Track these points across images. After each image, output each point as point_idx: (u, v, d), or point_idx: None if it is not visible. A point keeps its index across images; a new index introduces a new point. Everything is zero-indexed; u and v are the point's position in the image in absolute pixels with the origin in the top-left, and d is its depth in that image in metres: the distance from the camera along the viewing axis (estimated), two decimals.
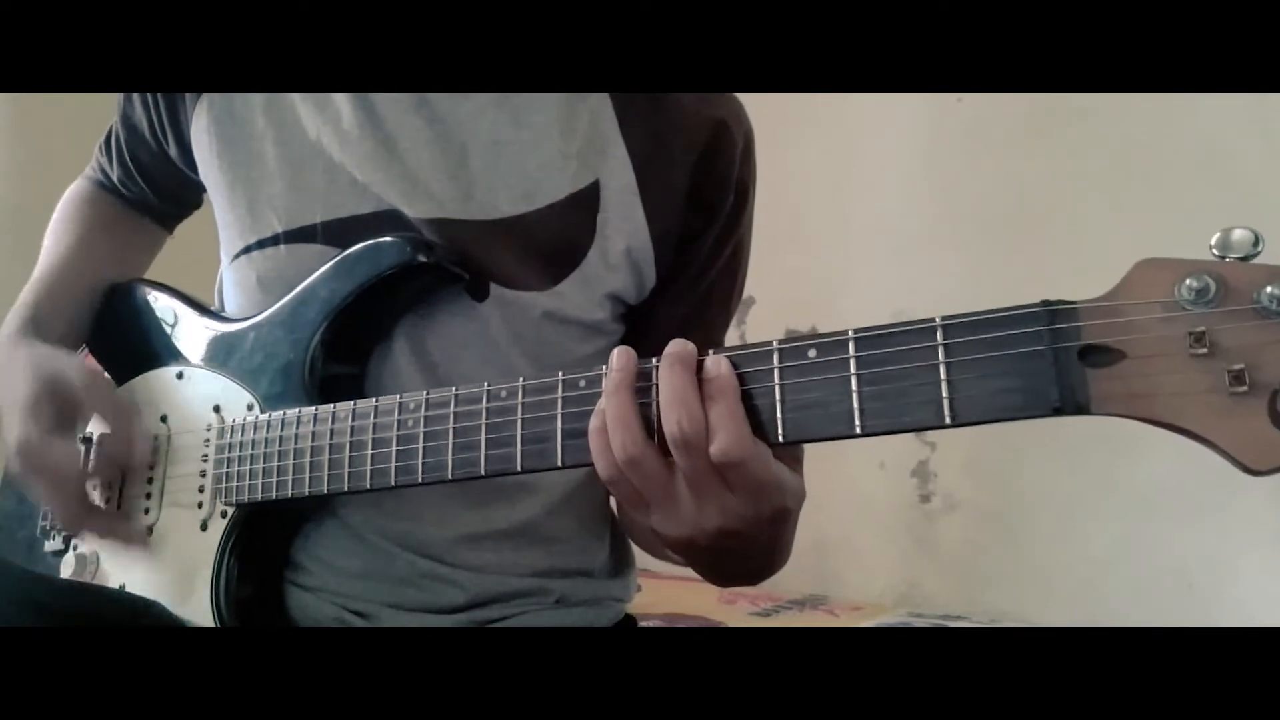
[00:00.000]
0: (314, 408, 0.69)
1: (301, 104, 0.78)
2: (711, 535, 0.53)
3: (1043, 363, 0.43)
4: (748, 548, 0.56)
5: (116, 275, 0.91)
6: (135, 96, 0.88)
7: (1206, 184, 1.76)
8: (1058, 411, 0.43)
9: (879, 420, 0.47)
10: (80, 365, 0.79)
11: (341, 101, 0.77)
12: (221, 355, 0.79)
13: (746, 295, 0.88)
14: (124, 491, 0.81)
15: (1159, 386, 0.41)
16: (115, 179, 0.95)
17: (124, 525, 0.78)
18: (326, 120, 0.77)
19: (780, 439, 0.50)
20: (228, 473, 0.74)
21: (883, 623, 1.89)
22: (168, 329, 0.85)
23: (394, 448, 0.64)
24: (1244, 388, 0.40)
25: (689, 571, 0.66)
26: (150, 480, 0.80)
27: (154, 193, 0.95)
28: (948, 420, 0.45)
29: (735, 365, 0.51)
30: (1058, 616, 1.86)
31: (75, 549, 0.84)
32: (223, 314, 0.83)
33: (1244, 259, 0.41)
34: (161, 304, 0.87)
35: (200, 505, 0.75)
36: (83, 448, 0.80)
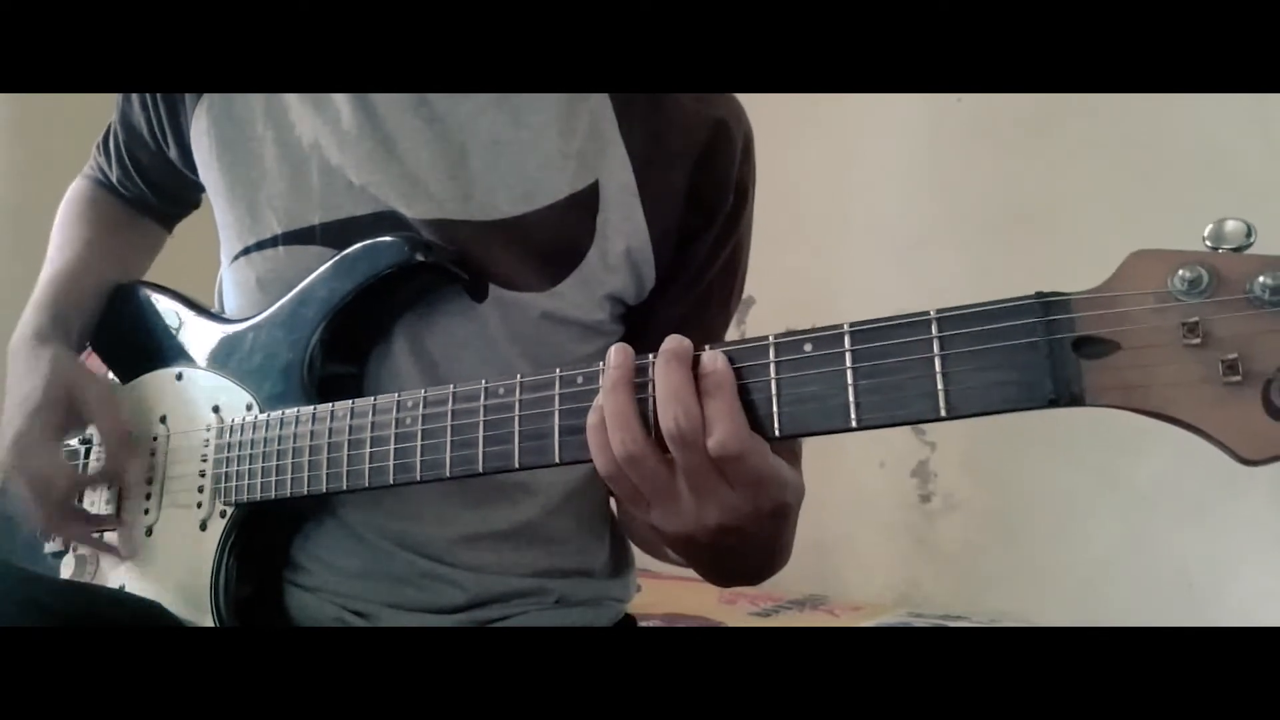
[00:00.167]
0: (313, 407, 0.69)
1: (301, 105, 0.78)
2: (711, 531, 0.53)
3: (1037, 354, 0.43)
4: (747, 544, 0.56)
5: (121, 274, 0.92)
6: (134, 97, 0.88)
7: (1206, 184, 1.76)
8: (1053, 403, 0.43)
9: (875, 414, 0.47)
10: (97, 383, 0.80)
11: (341, 102, 0.77)
12: (221, 356, 0.79)
13: (746, 295, 0.88)
14: (121, 496, 0.82)
15: (1153, 377, 0.41)
16: (114, 178, 0.95)
17: (98, 540, 0.80)
18: (326, 121, 0.77)
19: (777, 433, 0.50)
20: (227, 473, 0.74)
21: (883, 623, 1.89)
22: (168, 330, 0.85)
23: (392, 446, 0.64)
24: (1237, 377, 0.40)
25: (689, 571, 0.66)
26: (150, 481, 0.80)
27: (153, 192, 0.95)
28: (943, 413, 0.45)
29: (732, 360, 0.51)
30: (1058, 616, 1.86)
31: (75, 550, 0.84)
32: (222, 315, 0.84)
33: (1236, 250, 0.41)
34: (161, 305, 0.87)
35: (200, 505, 0.75)
36: (81, 447, 0.80)
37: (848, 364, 0.48)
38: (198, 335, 0.82)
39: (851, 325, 0.48)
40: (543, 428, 0.57)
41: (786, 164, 1.98)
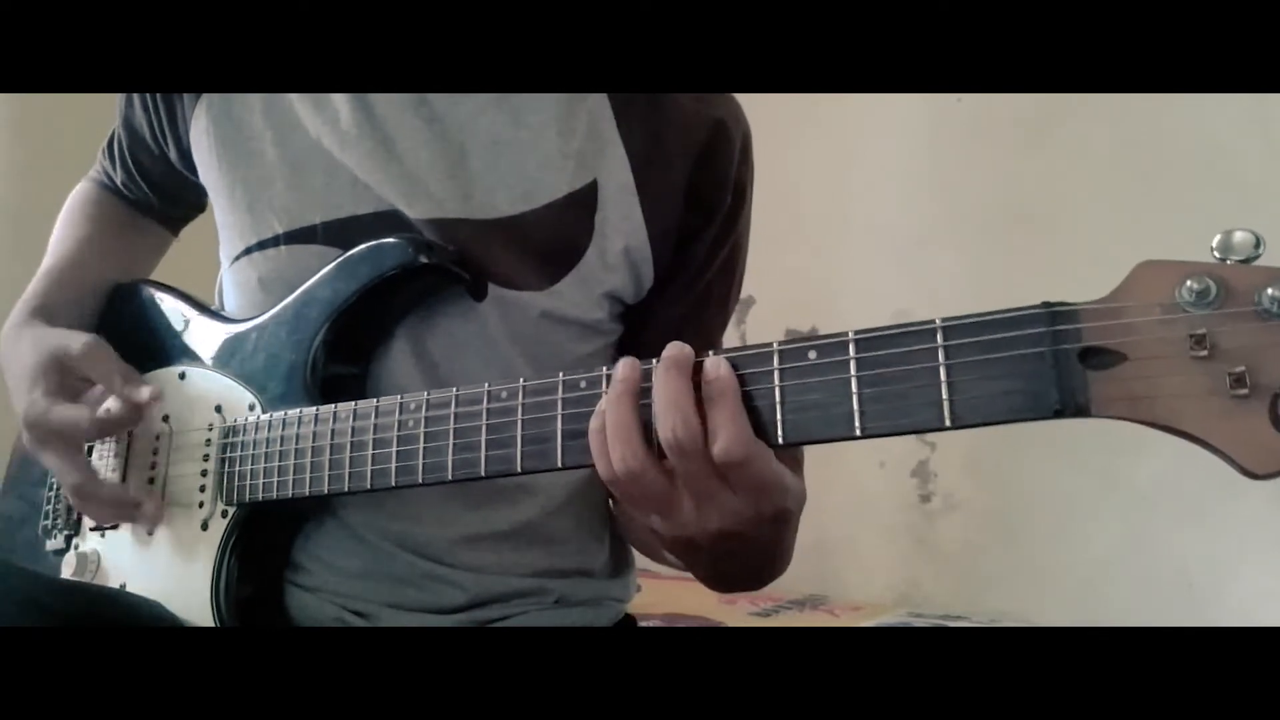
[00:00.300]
0: (315, 408, 0.69)
1: (300, 104, 0.78)
2: (712, 536, 0.54)
3: (1043, 365, 0.43)
4: (748, 549, 0.56)
5: (122, 275, 0.92)
6: (135, 100, 0.88)
7: (1206, 184, 1.76)
8: (1058, 414, 0.43)
9: (879, 422, 0.47)
10: (80, 335, 0.79)
11: (340, 102, 0.77)
12: (224, 355, 0.79)
13: (746, 295, 0.88)
14: (129, 475, 0.81)
15: (1159, 389, 0.41)
16: (119, 181, 0.95)
17: (133, 498, 0.78)
18: (325, 120, 0.77)
19: (780, 441, 0.50)
20: (229, 472, 0.74)
21: (883, 623, 1.89)
22: (170, 329, 0.85)
23: (394, 448, 0.64)
24: (1245, 390, 0.40)
25: (689, 572, 0.66)
26: (151, 480, 0.80)
27: (156, 195, 0.95)
28: (948, 423, 0.45)
29: (735, 366, 0.51)
30: (1058, 616, 1.86)
31: (76, 548, 0.84)
32: (225, 314, 0.84)
33: (1245, 261, 0.41)
34: (164, 304, 0.87)
35: (201, 505, 0.75)
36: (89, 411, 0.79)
37: (852, 372, 0.48)
38: (201, 334, 0.82)
39: (856, 333, 0.48)
40: (545, 432, 0.57)
41: (786, 164, 1.98)
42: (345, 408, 0.67)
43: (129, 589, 0.79)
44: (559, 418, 0.56)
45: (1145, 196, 1.84)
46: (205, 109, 0.82)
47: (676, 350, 0.52)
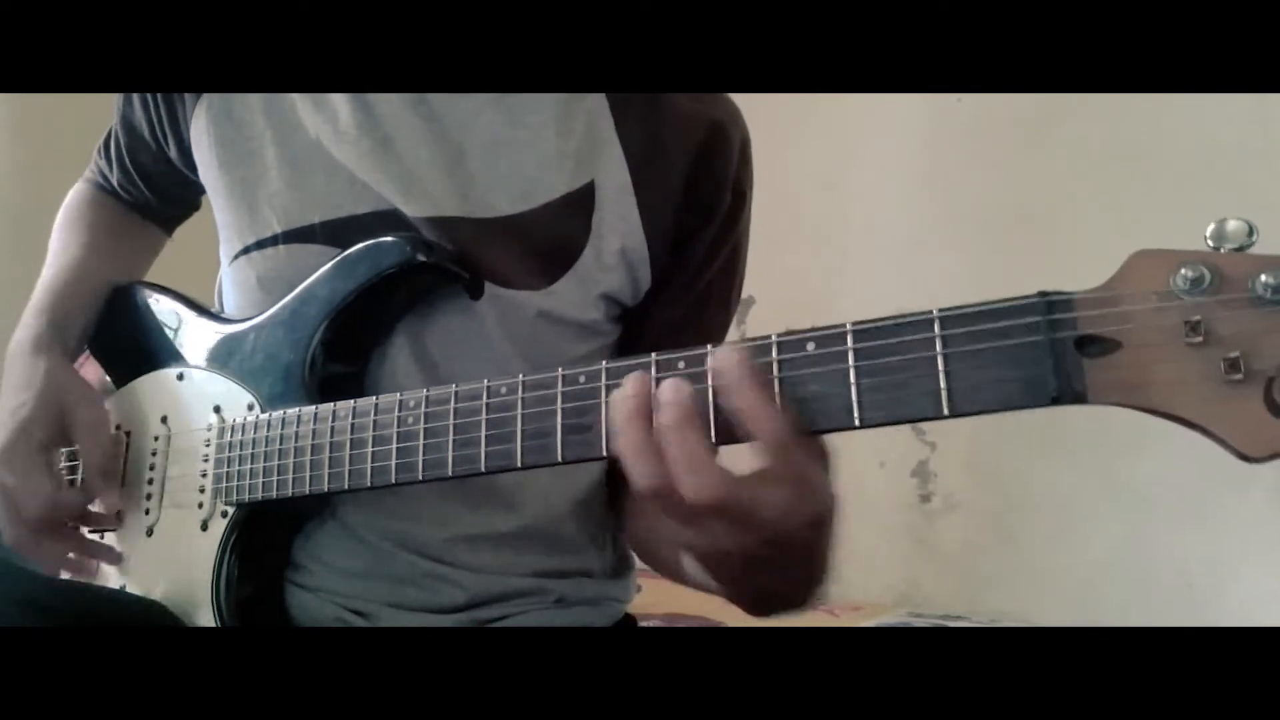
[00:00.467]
0: (314, 407, 0.69)
1: (300, 104, 0.78)
2: (747, 542, 0.49)
3: (1040, 353, 0.43)
4: (785, 557, 0.51)
5: (121, 277, 0.92)
6: (135, 99, 0.88)
7: (1206, 184, 1.76)
8: (1055, 401, 0.43)
9: (878, 412, 0.47)
10: (91, 405, 0.80)
11: (339, 101, 0.77)
12: (222, 356, 0.79)
13: (746, 295, 0.88)
14: (127, 477, 0.82)
15: (1155, 375, 0.42)
16: (115, 182, 0.95)
17: (76, 557, 0.80)
18: (325, 120, 0.77)
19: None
20: (228, 472, 0.74)
21: (883, 623, 1.89)
22: (168, 330, 0.85)
23: (394, 445, 0.64)
24: (1239, 375, 0.40)
25: (723, 594, 0.60)
26: (150, 481, 0.80)
27: (154, 195, 0.95)
28: (946, 411, 0.45)
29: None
30: (1058, 616, 1.86)
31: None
32: (223, 315, 0.84)
33: (1238, 249, 0.41)
34: (161, 305, 0.87)
35: (201, 505, 0.75)
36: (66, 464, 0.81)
37: (850, 363, 0.48)
38: (198, 335, 0.82)
39: (854, 324, 0.48)
40: (545, 426, 0.57)
41: (786, 164, 1.98)
42: (344, 406, 0.67)
43: (129, 590, 0.79)
44: (559, 412, 0.56)
45: (1145, 196, 1.84)
46: (205, 108, 0.82)
47: (674, 395, 0.49)
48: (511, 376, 0.59)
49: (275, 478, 0.70)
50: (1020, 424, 0.48)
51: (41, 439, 0.77)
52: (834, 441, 0.51)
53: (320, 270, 0.74)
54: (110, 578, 0.82)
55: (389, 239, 0.72)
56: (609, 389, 0.54)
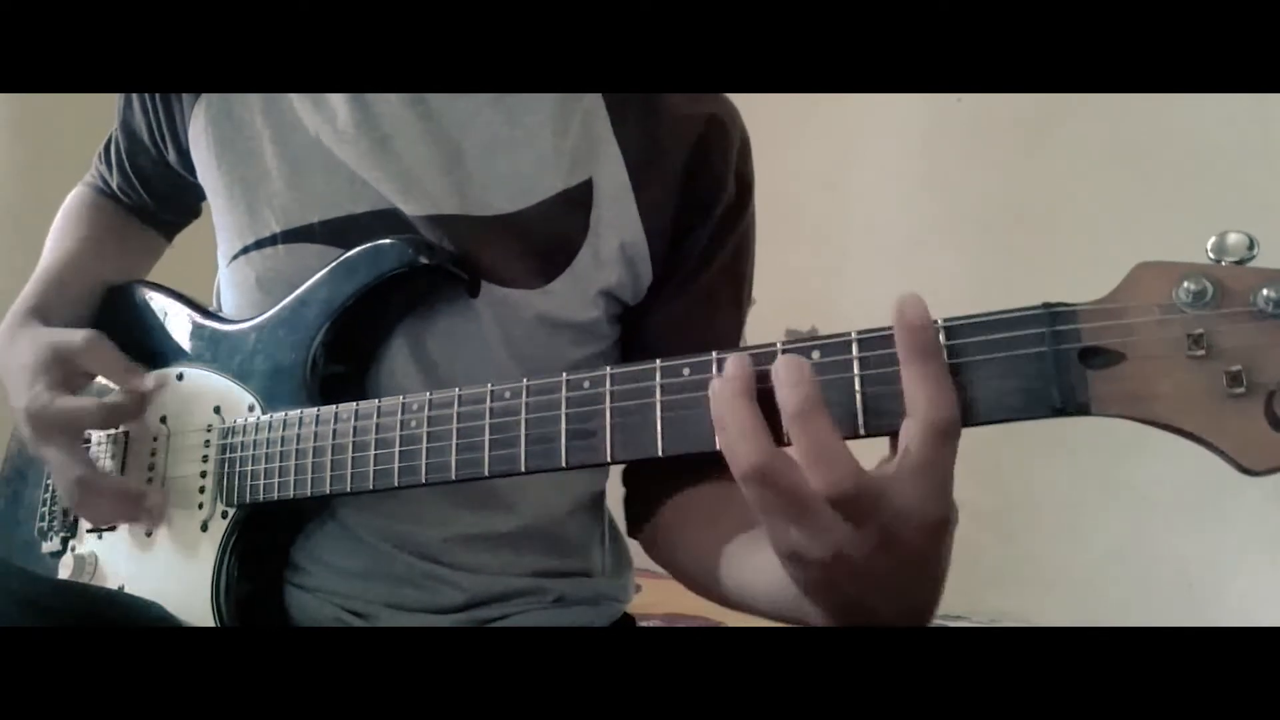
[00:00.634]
0: (316, 409, 0.69)
1: (299, 103, 0.78)
2: (864, 546, 0.45)
3: (1043, 364, 0.43)
4: (905, 569, 0.47)
5: (118, 278, 0.91)
6: (135, 102, 0.88)
7: (1206, 184, 1.76)
8: (1059, 413, 0.43)
9: (881, 421, 0.47)
10: (80, 330, 0.79)
11: (338, 101, 0.77)
12: (222, 356, 0.79)
13: None
14: (127, 477, 0.81)
15: (1158, 388, 0.42)
16: (115, 186, 0.95)
17: (137, 490, 0.77)
18: (324, 119, 0.77)
19: (785, 440, 0.50)
20: (228, 473, 0.74)
21: None
22: (166, 330, 0.85)
23: (397, 448, 0.64)
24: (1241, 389, 0.40)
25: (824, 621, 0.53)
26: (150, 481, 0.80)
27: (153, 199, 0.95)
28: None
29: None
30: (1058, 616, 1.86)
31: (73, 550, 0.84)
32: (223, 315, 0.84)
33: (1239, 262, 0.41)
34: (161, 305, 0.87)
35: (201, 506, 0.75)
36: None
37: (855, 371, 0.48)
38: (199, 335, 0.82)
39: (859, 333, 0.48)
40: (549, 431, 0.57)
41: (786, 164, 1.98)
42: (346, 408, 0.67)
43: (128, 590, 0.79)
44: (563, 417, 0.56)
45: (1144, 196, 1.84)
46: (204, 108, 0.82)
47: (797, 374, 0.45)
48: (511, 378, 0.59)
49: (276, 479, 0.70)
50: (1021, 424, 0.48)
51: (56, 379, 0.76)
52: None
53: (321, 271, 0.74)
54: (110, 578, 0.82)
55: (390, 240, 0.72)
56: (613, 394, 0.54)
